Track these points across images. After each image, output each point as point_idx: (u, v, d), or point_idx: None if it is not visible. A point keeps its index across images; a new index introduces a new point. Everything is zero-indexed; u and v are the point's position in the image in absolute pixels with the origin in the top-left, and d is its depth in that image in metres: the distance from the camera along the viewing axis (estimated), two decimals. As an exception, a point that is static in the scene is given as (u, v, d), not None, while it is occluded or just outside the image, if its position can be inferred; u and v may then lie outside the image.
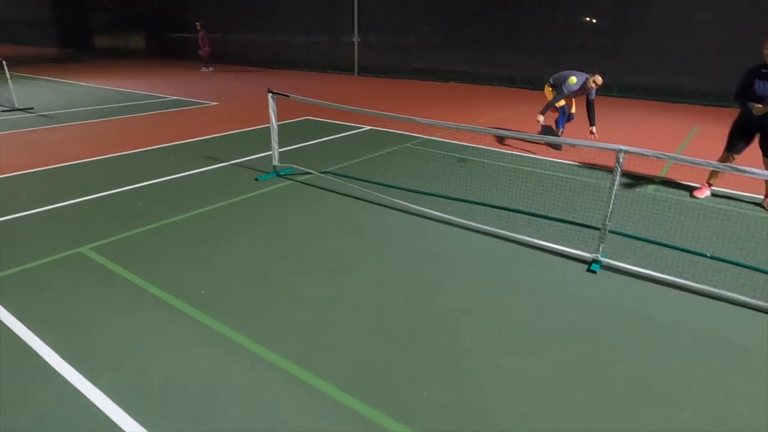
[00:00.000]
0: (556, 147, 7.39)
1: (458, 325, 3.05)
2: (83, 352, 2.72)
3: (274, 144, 5.72)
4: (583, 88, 6.97)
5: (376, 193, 5.15)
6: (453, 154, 7.03)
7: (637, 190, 5.60)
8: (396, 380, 2.56)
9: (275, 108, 5.62)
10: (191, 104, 11.00)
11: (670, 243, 4.16)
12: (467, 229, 4.42)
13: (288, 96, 5.59)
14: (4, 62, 9.90)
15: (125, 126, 8.62)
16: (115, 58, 22.69)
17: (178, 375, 2.56)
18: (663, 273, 3.58)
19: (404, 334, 2.95)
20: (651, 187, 5.70)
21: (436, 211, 4.70)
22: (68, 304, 3.18)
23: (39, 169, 5.98)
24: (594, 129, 7.08)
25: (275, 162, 5.81)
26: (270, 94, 5.59)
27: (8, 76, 10.00)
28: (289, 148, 7.08)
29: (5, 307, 3.11)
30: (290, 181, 5.64)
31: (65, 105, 10.53)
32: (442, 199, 5.14)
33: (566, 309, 3.24)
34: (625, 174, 5.45)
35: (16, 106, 9.81)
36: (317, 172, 5.79)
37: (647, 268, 3.66)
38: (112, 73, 17.04)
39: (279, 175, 5.82)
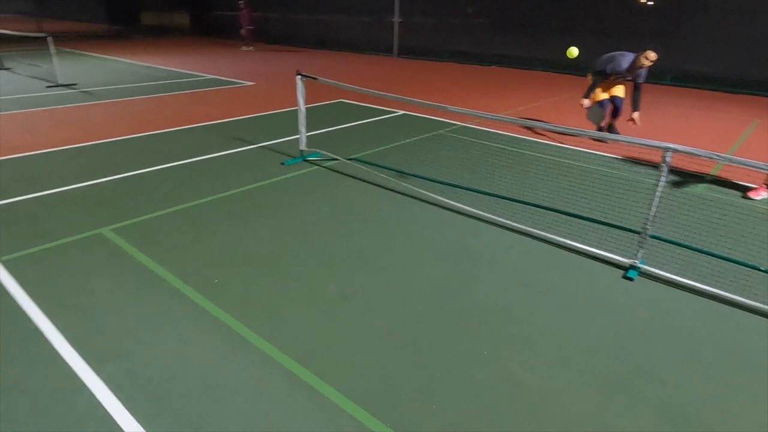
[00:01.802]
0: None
1: (478, 331, 2.86)
2: (90, 338, 2.69)
3: (302, 128, 5.58)
4: (632, 68, 6.32)
5: (403, 183, 4.96)
6: (485, 142, 6.73)
7: (685, 189, 5.19)
8: (404, 389, 2.41)
9: (303, 91, 5.48)
10: (228, 83, 11.02)
11: (718, 252, 3.79)
12: (495, 225, 4.18)
13: (316, 79, 5.43)
14: (49, 38, 10.12)
15: (162, 104, 8.69)
16: (160, 35, 23.10)
17: (181, 370, 2.49)
18: (708, 285, 3.27)
19: (419, 339, 2.78)
20: (701, 187, 5.27)
21: (465, 204, 4.47)
22: (82, 286, 3.16)
23: (72, 146, 6.07)
24: (636, 116, 6.48)
25: (302, 146, 5.69)
26: (298, 76, 5.45)
27: (52, 52, 10.23)
28: (319, 131, 6.95)
29: (22, 287, 3.12)
30: (316, 167, 5.51)
31: (107, 81, 10.72)
32: (471, 193, 4.90)
33: (597, 320, 2.99)
34: (672, 171, 5.03)
35: (60, 81, 10.05)
36: (344, 158, 5.63)
37: (690, 279, 3.35)
38: (156, 51, 17.30)
39: (306, 160, 5.70)
